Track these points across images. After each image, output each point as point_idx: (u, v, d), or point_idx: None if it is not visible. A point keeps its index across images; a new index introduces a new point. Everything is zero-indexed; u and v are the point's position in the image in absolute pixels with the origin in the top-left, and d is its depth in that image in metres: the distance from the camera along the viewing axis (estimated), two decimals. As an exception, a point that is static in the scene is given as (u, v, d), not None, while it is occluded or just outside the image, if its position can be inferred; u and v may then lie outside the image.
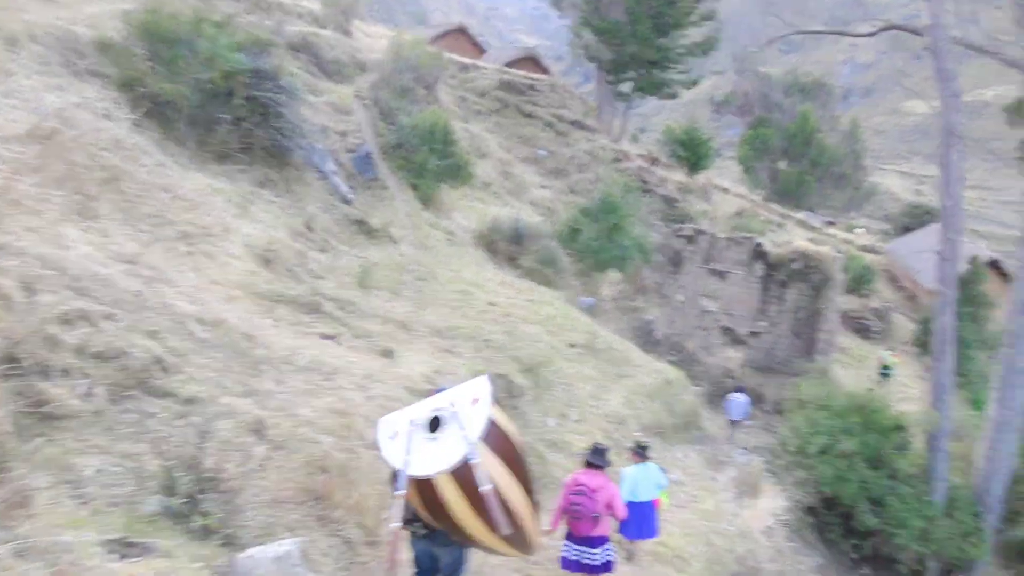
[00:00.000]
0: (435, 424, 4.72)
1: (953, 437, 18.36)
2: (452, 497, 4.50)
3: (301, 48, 25.17)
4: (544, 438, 11.40)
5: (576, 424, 12.39)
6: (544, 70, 48.88)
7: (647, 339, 22.80)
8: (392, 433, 4.76)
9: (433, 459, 4.51)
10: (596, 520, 7.23)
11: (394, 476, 4.64)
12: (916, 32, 19.04)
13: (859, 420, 17.78)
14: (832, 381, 22.99)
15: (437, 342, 12.35)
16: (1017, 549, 19.87)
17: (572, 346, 15.68)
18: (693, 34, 42.09)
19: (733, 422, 20.87)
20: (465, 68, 42.98)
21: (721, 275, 26.59)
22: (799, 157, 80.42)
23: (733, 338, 27.93)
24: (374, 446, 5.40)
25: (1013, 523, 19.31)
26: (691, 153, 45.11)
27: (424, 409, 4.83)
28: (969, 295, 34.76)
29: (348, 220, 17.01)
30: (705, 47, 41.86)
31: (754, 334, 26.19)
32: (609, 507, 7.33)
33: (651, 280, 26.43)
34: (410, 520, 4.99)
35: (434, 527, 4.99)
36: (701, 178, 49.26)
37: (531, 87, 43.34)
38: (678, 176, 47.40)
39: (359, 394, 8.24)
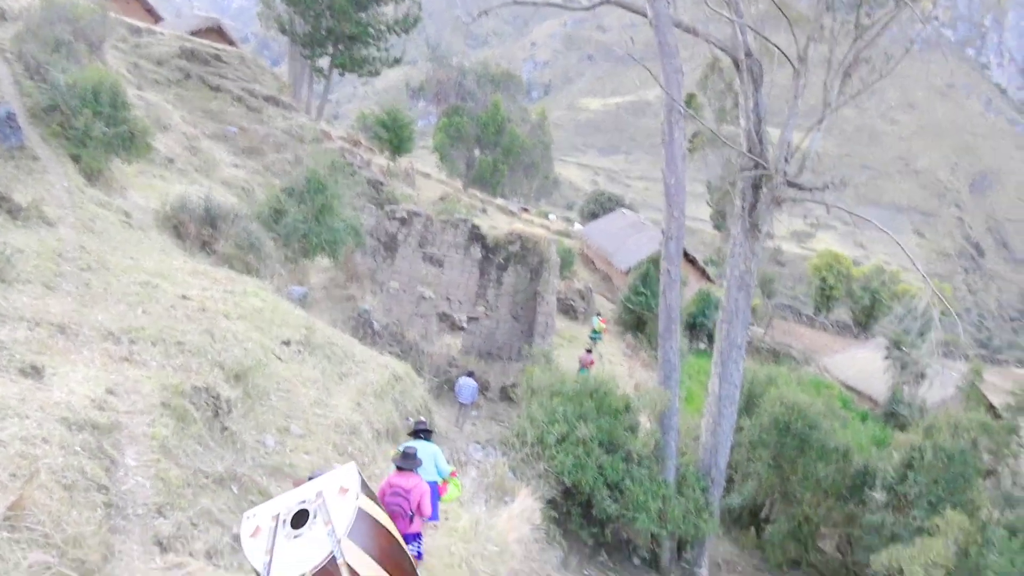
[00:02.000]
0: (301, 518, 4.29)
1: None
2: None
3: (-91, -20, 19.84)
4: (264, 463, 8.99)
5: (301, 440, 10.06)
6: (231, 43, 44.61)
7: (365, 331, 20.70)
8: (253, 529, 4.31)
9: (296, 560, 4.08)
10: (411, 519, 7.39)
11: None
12: (635, 10, 18.71)
13: (593, 404, 17.16)
14: (555, 364, 22.49)
15: (111, 349, 9.39)
16: (734, 516, 20.58)
17: (286, 344, 13.23)
18: (392, 11, 40.37)
19: (462, 405, 19.99)
20: (138, 32, 37.83)
21: (437, 260, 25.22)
22: (492, 146, 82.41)
23: (452, 324, 26.74)
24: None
25: (730, 492, 19.90)
26: (394, 135, 43.49)
27: (290, 501, 4.40)
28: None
29: (-20, 196, 13.11)
30: (406, 24, 40.28)
31: (473, 319, 25.12)
32: (419, 505, 7.43)
33: (364, 266, 24.35)
34: None
35: None
36: (404, 162, 47.94)
37: (217, 57, 39.16)
38: (380, 160, 45.65)
39: (-20, 439, 5.41)
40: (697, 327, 41.28)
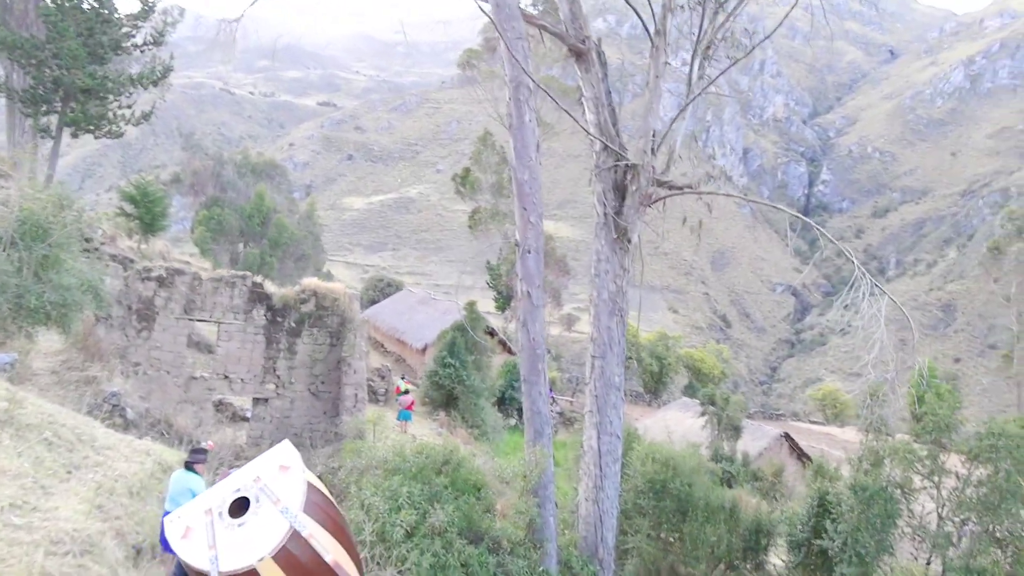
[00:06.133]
0: (239, 507, 3.75)
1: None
2: None
3: None
4: None
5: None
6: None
7: (114, 420, 15.14)
8: (183, 530, 3.75)
9: (249, 546, 3.55)
10: None
11: None
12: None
13: (444, 480, 12.88)
14: (371, 445, 17.87)
15: None
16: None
17: (-32, 421, 7.99)
18: (137, 60, 34.76)
19: None
20: None
21: (205, 339, 19.91)
22: (258, 237, 76.95)
23: (232, 415, 21.29)
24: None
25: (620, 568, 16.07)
26: (145, 211, 37.08)
27: (221, 493, 3.88)
28: (471, 343, 33.13)
29: None
30: (153, 76, 34.64)
31: (261, 401, 19.92)
32: None
33: (110, 343, 18.51)
34: None
35: None
36: (159, 244, 41.47)
37: (-94, 120, 31.79)
38: (129, 243, 39.00)
39: None
40: (507, 401, 37.95)
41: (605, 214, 13.89)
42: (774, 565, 16.82)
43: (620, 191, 13.91)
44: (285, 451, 4.07)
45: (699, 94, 13.94)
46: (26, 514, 6.32)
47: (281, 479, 3.87)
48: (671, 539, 16.91)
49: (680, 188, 13.88)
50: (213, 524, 3.74)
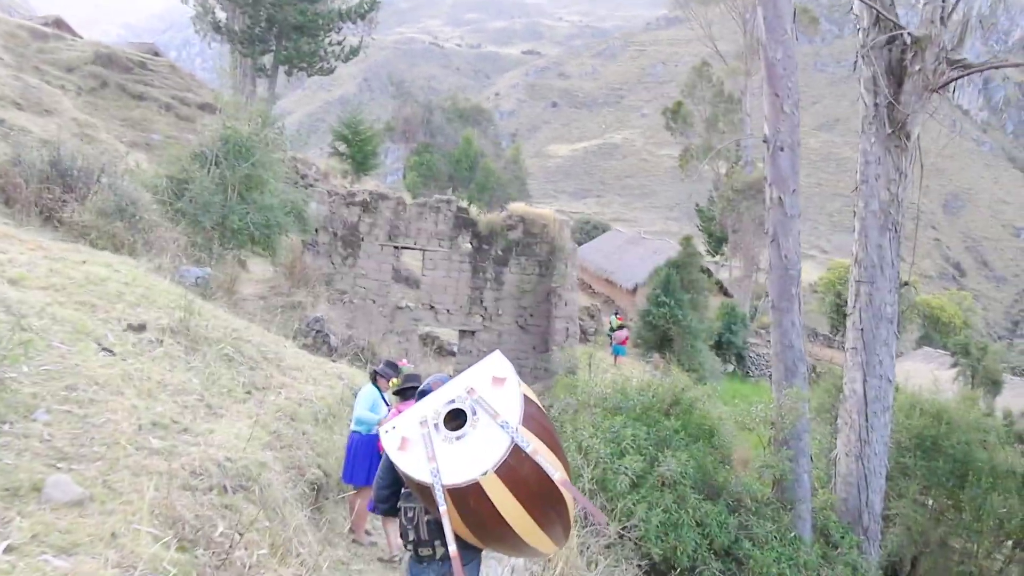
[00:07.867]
0: (453, 419, 3.67)
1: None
2: (503, 499, 3.42)
3: None
4: None
5: (67, 516, 3.72)
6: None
7: (317, 346, 14.45)
8: (399, 442, 3.68)
9: (470, 459, 3.47)
10: None
11: (421, 492, 3.62)
12: None
13: (676, 424, 10.93)
14: (587, 381, 16.18)
15: None
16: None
17: (135, 329, 6.93)
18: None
19: None
20: (43, 37, 32.04)
21: (411, 263, 18.93)
22: (466, 181, 77.63)
23: (439, 349, 20.37)
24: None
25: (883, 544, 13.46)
26: (356, 150, 37.32)
27: (435, 404, 3.74)
28: (687, 280, 30.75)
29: None
30: (362, 10, 34.46)
31: (467, 334, 18.77)
32: None
33: (316, 270, 17.98)
34: (424, 542, 3.91)
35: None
36: (371, 183, 41.92)
37: (142, 65, 33.44)
38: (343, 182, 39.62)
39: None
40: (724, 345, 35.28)
41: (876, 104, 11.11)
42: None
43: (896, 75, 11.08)
44: (498, 362, 3.84)
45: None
46: (170, 436, 5.01)
47: (496, 391, 3.70)
48: (944, 507, 14.08)
49: (978, 67, 10.86)
50: (430, 436, 3.62)
